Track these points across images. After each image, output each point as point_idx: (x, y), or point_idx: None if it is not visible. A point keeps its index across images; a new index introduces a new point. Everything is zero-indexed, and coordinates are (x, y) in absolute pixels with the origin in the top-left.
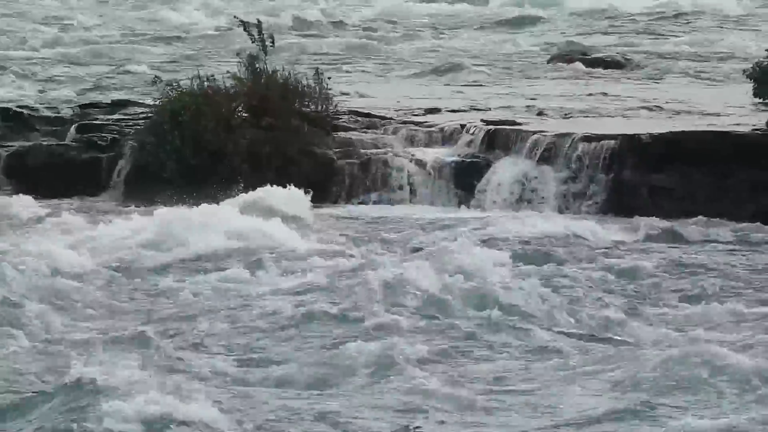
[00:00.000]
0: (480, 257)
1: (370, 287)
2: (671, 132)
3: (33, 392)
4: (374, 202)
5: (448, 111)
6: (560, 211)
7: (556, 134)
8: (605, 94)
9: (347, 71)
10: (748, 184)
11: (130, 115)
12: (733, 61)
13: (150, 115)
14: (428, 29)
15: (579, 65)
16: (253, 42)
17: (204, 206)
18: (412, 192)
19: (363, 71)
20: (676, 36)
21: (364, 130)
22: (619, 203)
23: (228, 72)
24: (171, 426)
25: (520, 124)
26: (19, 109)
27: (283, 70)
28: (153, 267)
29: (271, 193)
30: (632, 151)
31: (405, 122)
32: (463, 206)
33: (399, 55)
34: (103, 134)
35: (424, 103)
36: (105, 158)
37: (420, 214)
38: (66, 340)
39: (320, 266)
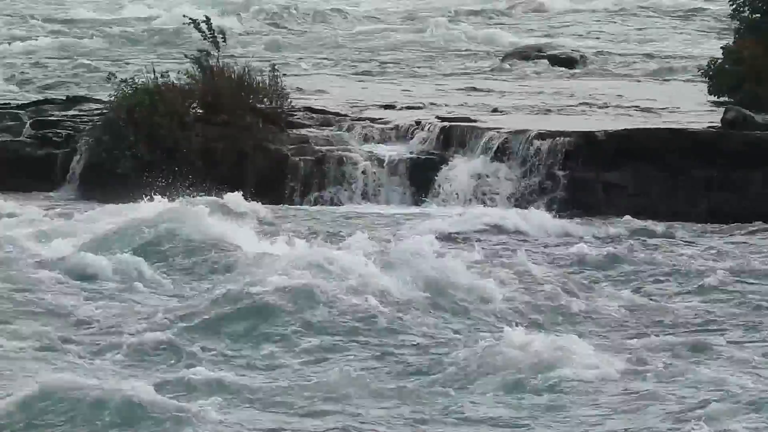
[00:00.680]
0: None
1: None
2: (626, 129)
3: None
4: (328, 200)
5: (404, 108)
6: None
7: (511, 131)
8: (560, 91)
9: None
10: (702, 182)
11: (86, 111)
12: (688, 60)
13: (105, 111)
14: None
15: (534, 62)
16: (204, 39)
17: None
18: (367, 189)
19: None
20: (633, 34)
21: (320, 126)
22: (574, 200)
23: (184, 69)
24: None
25: (475, 120)
26: None
27: (236, 66)
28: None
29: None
30: (587, 148)
31: (360, 119)
32: (419, 203)
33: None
34: (58, 130)
35: (379, 100)
36: (60, 154)
37: (373, 210)
38: None
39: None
